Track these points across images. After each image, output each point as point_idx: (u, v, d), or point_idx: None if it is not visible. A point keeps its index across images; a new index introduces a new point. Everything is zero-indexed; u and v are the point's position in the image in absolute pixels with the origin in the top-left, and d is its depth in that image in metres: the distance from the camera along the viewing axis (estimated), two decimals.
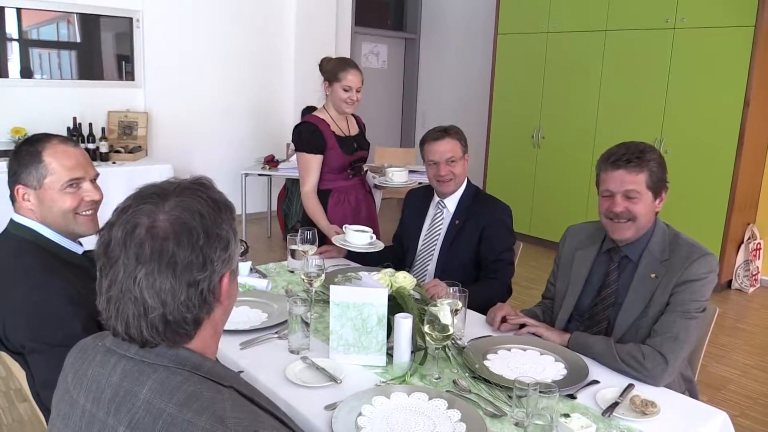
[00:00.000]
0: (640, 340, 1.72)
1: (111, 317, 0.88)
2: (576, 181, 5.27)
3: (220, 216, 0.91)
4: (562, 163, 5.40)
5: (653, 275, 1.77)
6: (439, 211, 2.47)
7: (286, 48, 6.26)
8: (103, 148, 4.78)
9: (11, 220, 1.53)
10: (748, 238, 4.73)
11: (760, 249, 4.74)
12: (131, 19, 5.29)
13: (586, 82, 5.19)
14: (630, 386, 1.57)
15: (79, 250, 1.58)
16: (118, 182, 4.22)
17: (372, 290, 1.65)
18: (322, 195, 2.76)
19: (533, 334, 1.86)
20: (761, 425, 2.85)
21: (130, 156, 4.93)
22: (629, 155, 1.76)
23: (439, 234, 2.44)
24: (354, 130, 2.84)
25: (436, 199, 2.48)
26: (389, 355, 1.66)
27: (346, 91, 2.67)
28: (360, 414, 1.39)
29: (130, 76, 5.40)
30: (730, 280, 4.78)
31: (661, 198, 1.81)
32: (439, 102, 7.32)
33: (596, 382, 1.60)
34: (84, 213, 1.56)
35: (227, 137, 6.00)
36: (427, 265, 2.46)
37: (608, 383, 1.60)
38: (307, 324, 1.70)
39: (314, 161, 2.68)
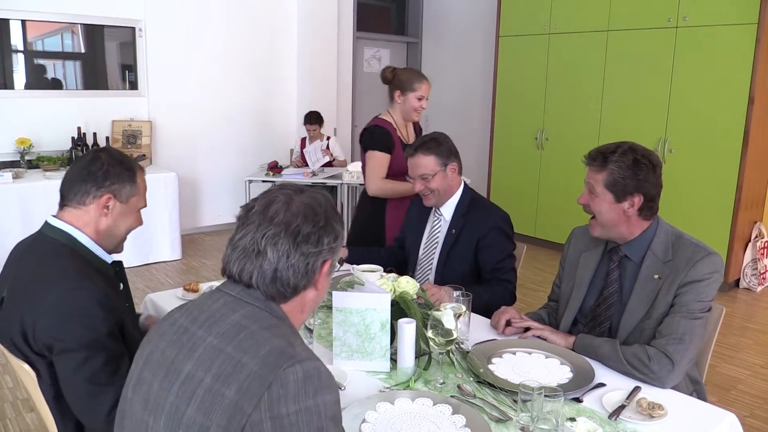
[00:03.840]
0: (645, 341, 1.71)
1: (231, 261, 1.10)
2: (581, 182, 5.21)
3: (335, 216, 1.15)
4: (566, 165, 5.38)
5: (656, 276, 1.76)
6: (436, 219, 2.44)
7: (288, 54, 6.28)
8: None
9: (46, 223, 1.58)
10: (756, 236, 4.70)
11: (767, 247, 4.71)
12: (134, 28, 5.32)
13: (588, 82, 5.17)
14: (636, 389, 1.56)
15: (109, 260, 1.65)
16: None
17: (374, 295, 1.64)
18: (380, 200, 2.87)
19: (538, 337, 1.86)
20: None
21: None
22: (596, 154, 1.81)
23: (437, 243, 2.41)
24: (412, 138, 2.99)
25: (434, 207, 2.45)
26: (393, 360, 1.65)
27: (419, 100, 2.83)
28: (364, 420, 1.38)
29: (133, 85, 5.43)
30: (738, 279, 4.75)
31: (631, 203, 1.76)
32: (441, 105, 7.31)
33: (602, 385, 1.59)
34: None
35: (231, 144, 6.02)
36: (428, 274, 2.44)
37: (614, 386, 1.59)
38: (310, 330, 1.70)
39: (385, 160, 2.82)
